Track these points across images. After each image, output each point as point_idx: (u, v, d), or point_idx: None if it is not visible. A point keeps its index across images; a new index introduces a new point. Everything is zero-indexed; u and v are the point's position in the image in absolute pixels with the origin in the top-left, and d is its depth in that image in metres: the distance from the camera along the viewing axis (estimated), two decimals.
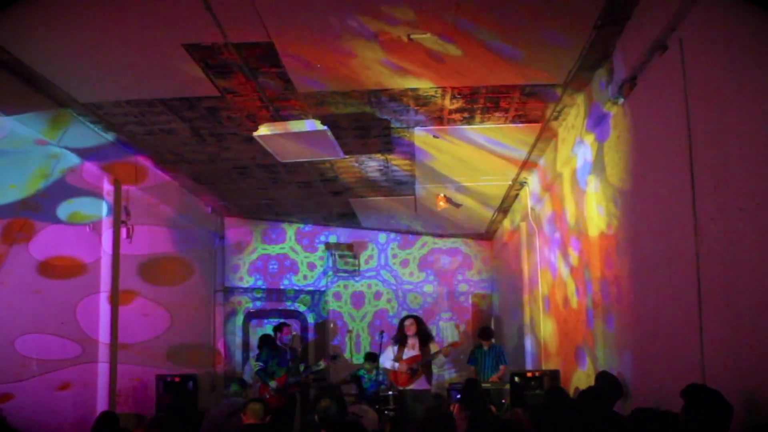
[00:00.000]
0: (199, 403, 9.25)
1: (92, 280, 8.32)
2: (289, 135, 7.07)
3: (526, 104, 6.76)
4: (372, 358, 10.88)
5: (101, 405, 8.08)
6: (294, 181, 9.77)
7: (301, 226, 12.92)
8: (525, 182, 9.45)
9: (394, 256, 13.18)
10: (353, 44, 5.47)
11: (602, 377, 5.81)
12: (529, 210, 9.42)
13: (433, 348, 9.84)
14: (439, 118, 7.17)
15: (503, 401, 8.71)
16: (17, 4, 4.68)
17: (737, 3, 3.74)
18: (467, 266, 13.26)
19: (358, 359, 12.16)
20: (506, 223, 11.48)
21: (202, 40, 5.39)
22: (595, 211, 6.59)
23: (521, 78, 6.15)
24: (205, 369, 11.09)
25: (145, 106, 6.78)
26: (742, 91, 3.73)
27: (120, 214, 8.58)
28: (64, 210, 7.86)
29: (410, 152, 8.33)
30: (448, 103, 6.74)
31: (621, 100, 5.68)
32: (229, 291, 12.49)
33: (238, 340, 12.44)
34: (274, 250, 12.85)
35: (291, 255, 12.89)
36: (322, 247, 12.94)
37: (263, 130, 7.06)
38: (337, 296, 12.97)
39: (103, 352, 8.29)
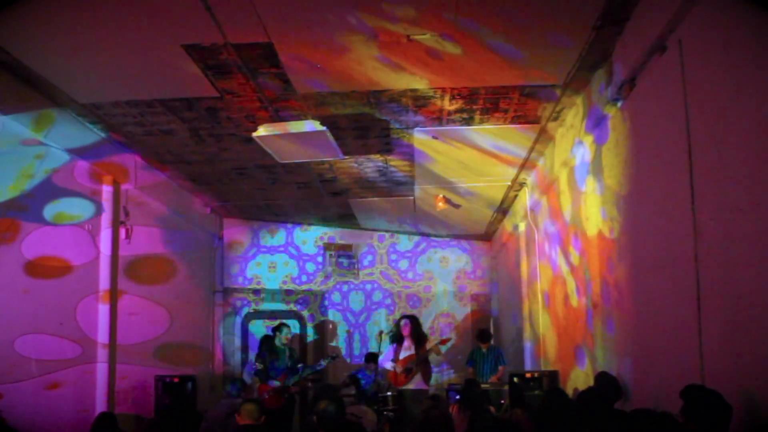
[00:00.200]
0: (198, 404, 9.24)
1: (91, 281, 8.33)
2: (288, 136, 7.07)
3: (526, 105, 6.76)
4: (373, 359, 10.88)
5: (100, 406, 8.07)
6: (293, 182, 9.77)
7: (300, 226, 12.92)
8: (524, 183, 9.45)
9: (393, 256, 13.18)
10: (353, 45, 5.47)
11: (601, 378, 5.81)
12: (528, 211, 9.42)
13: (428, 347, 9.83)
14: (438, 119, 7.18)
15: (502, 402, 8.71)
16: (16, 5, 4.68)
17: (736, 4, 3.74)
18: (466, 267, 13.26)
19: (357, 360, 12.16)
20: (505, 224, 11.48)
21: (201, 41, 5.39)
22: (593, 212, 6.60)
23: (520, 78, 6.15)
24: (203, 370, 11.09)
25: (145, 107, 6.78)
26: (741, 92, 3.73)
27: (119, 215, 8.59)
28: (61, 210, 7.86)
29: (409, 153, 8.33)
30: (447, 104, 6.74)
31: (619, 104, 5.69)
32: (228, 291, 12.49)
33: (237, 340, 12.43)
34: (273, 250, 12.85)
35: (290, 255, 12.88)
36: (321, 247, 12.94)
37: (262, 131, 7.06)
38: (336, 297, 12.97)
39: (101, 353, 8.29)
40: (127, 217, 8.69)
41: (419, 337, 9.69)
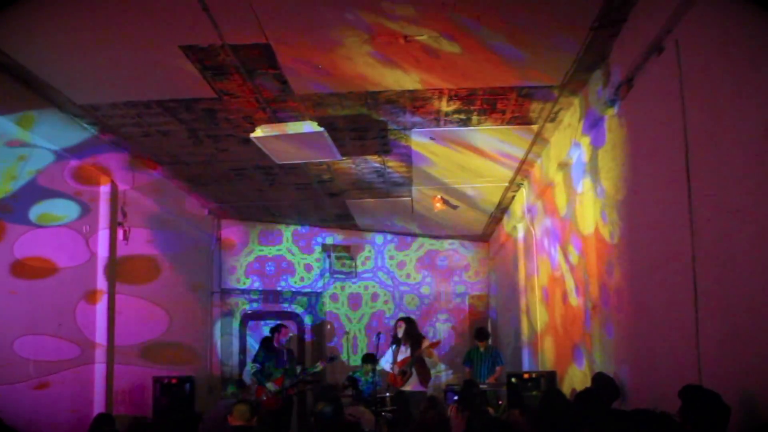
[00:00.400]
0: (196, 406, 9.23)
1: (89, 282, 8.32)
2: (286, 137, 7.06)
3: (523, 106, 6.76)
4: (370, 360, 10.87)
5: (98, 407, 8.07)
6: (291, 183, 9.77)
7: (298, 227, 12.91)
8: (521, 184, 9.46)
9: (391, 257, 13.19)
10: (350, 45, 5.47)
11: (599, 378, 5.81)
12: (526, 211, 9.43)
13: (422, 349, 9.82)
14: (435, 120, 7.18)
15: (500, 402, 8.72)
16: (14, 6, 4.67)
17: (733, 5, 3.74)
18: (464, 268, 13.28)
19: (356, 361, 12.16)
20: (503, 225, 11.49)
21: (199, 42, 5.39)
22: (589, 213, 6.60)
23: (518, 79, 6.15)
24: (202, 371, 11.08)
25: (142, 108, 6.78)
26: (738, 93, 3.73)
27: (116, 216, 8.59)
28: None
29: (407, 154, 8.34)
30: (445, 105, 6.75)
31: (617, 105, 5.69)
32: (226, 293, 12.47)
33: (235, 342, 12.42)
34: (270, 251, 12.84)
35: (288, 257, 12.88)
36: (318, 248, 12.94)
37: (260, 132, 7.06)
38: (334, 298, 12.97)
39: (99, 354, 8.29)
40: (124, 219, 8.69)
41: (415, 338, 9.69)
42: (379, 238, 13.17)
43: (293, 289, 12.83)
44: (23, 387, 7.36)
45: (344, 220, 12.23)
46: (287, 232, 12.89)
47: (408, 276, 13.15)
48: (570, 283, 7.50)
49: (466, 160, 8.46)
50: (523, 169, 8.82)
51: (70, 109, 6.76)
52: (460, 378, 11.37)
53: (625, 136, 5.59)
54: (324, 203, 11.02)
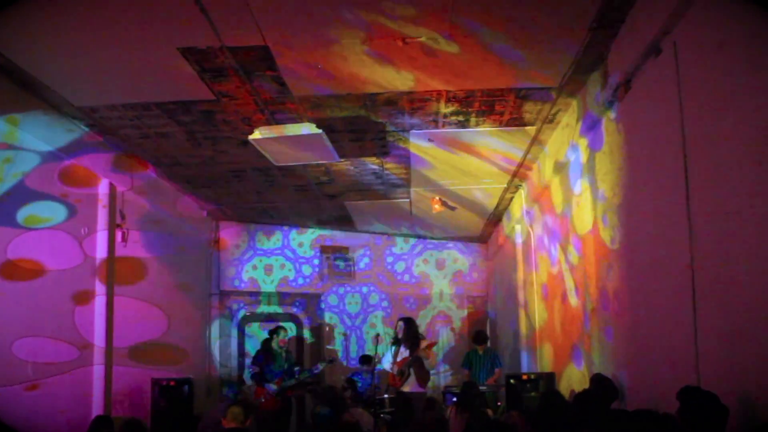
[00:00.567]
0: (194, 407, 9.23)
1: (87, 283, 8.32)
2: (284, 138, 7.06)
3: (521, 107, 6.77)
4: (366, 360, 10.86)
5: (96, 409, 8.06)
6: (289, 185, 9.77)
7: (297, 229, 12.91)
8: (520, 185, 9.47)
9: (390, 259, 13.18)
10: (348, 47, 5.47)
11: (598, 380, 5.81)
12: (524, 213, 9.44)
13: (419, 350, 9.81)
14: (434, 122, 7.19)
15: (499, 404, 8.72)
16: (12, 8, 4.67)
17: (731, 6, 3.75)
18: (462, 269, 13.27)
19: (354, 363, 12.16)
20: (501, 226, 11.49)
21: (197, 44, 5.39)
22: (588, 214, 6.61)
23: (516, 80, 6.16)
24: (200, 373, 11.07)
25: (141, 110, 6.77)
26: (736, 94, 3.74)
27: (115, 217, 8.58)
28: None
29: (405, 156, 8.34)
30: (443, 107, 6.75)
31: (614, 112, 5.70)
32: (224, 294, 12.46)
33: (234, 343, 12.41)
34: (269, 253, 12.83)
35: (286, 258, 12.87)
36: (317, 250, 12.93)
37: (258, 134, 7.06)
38: (333, 299, 12.97)
39: (98, 356, 8.28)
40: (123, 220, 8.69)
41: (413, 339, 9.68)
42: (377, 239, 13.17)
43: (292, 291, 12.82)
44: (22, 389, 7.35)
45: (343, 222, 12.23)
46: (285, 233, 12.89)
47: (406, 277, 13.15)
48: (569, 283, 7.51)
49: (465, 162, 8.47)
50: (521, 171, 8.83)
51: (68, 110, 6.75)
52: (458, 380, 11.37)
53: (622, 136, 5.59)
54: (322, 205, 11.02)
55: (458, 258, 13.29)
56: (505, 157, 8.30)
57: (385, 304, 13.02)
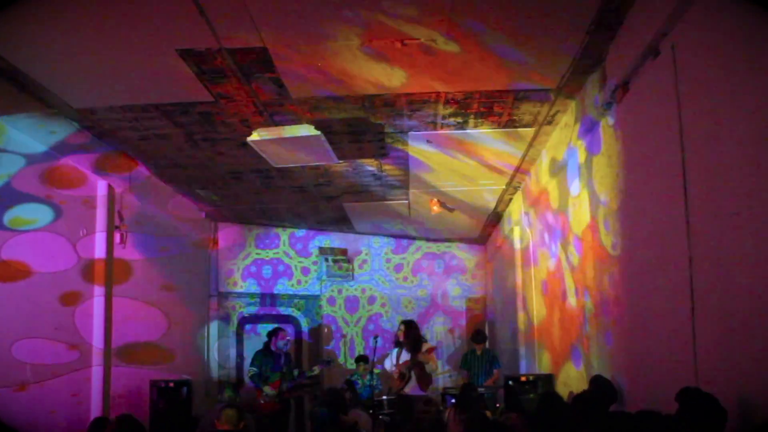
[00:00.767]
0: (193, 409, 9.22)
1: (85, 285, 8.32)
2: (283, 140, 7.07)
3: (520, 109, 6.77)
4: (363, 360, 10.86)
5: (95, 410, 8.06)
6: (288, 186, 9.77)
7: (295, 230, 12.90)
8: (518, 187, 9.47)
9: (388, 260, 13.18)
10: (347, 48, 5.47)
11: (596, 381, 5.81)
12: (523, 214, 9.44)
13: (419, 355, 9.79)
14: (432, 123, 7.19)
15: (497, 405, 8.71)
16: (11, 9, 4.67)
17: (729, 8, 3.75)
18: (461, 270, 13.28)
19: (353, 364, 12.15)
20: (500, 227, 11.49)
21: (196, 46, 5.39)
22: (585, 215, 6.61)
23: (515, 81, 6.16)
24: (199, 374, 11.06)
25: (139, 112, 6.77)
26: (734, 95, 3.74)
27: (113, 219, 8.58)
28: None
29: (404, 157, 8.34)
30: (442, 108, 6.75)
31: (611, 114, 5.70)
32: (223, 296, 12.45)
33: (232, 345, 12.40)
34: (267, 254, 12.82)
35: (285, 260, 12.86)
36: (315, 251, 12.92)
37: (257, 136, 7.06)
38: (331, 301, 12.96)
39: (96, 357, 8.27)
40: (121, 222, 8.68)
41: (415, 342, 9.69)
42: (376, 241, 13.16)
43: (290, 293, 12.81)
44: (20, 390, 7.34)
45: (341, 223, 12.23)
46: (284, 235, 12.87)
47: (405, 279, 13.15)
48: (569, 283, 7.51)
49: (463, 163, 8.47)
50: (519, 172, 8.83)
51: (67, 112, 6.75)
52: (456, 382, 11.36)
53: (620, 138, 5.60)
54: (321, 206, 11.02)
55: (457, 259, 13.29)
56: (503, 158, 8.30)
57: (383, 305, 13.01)
